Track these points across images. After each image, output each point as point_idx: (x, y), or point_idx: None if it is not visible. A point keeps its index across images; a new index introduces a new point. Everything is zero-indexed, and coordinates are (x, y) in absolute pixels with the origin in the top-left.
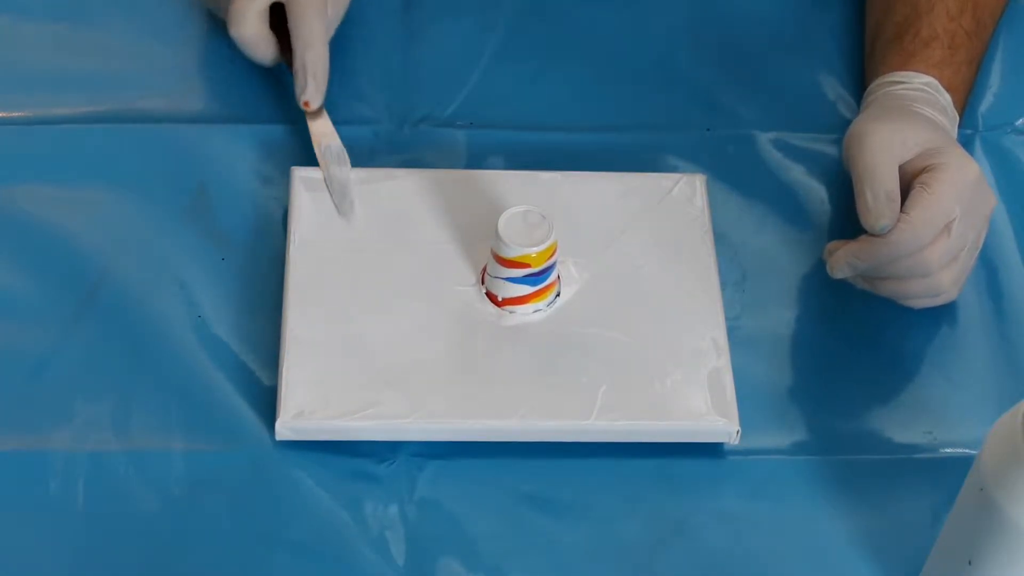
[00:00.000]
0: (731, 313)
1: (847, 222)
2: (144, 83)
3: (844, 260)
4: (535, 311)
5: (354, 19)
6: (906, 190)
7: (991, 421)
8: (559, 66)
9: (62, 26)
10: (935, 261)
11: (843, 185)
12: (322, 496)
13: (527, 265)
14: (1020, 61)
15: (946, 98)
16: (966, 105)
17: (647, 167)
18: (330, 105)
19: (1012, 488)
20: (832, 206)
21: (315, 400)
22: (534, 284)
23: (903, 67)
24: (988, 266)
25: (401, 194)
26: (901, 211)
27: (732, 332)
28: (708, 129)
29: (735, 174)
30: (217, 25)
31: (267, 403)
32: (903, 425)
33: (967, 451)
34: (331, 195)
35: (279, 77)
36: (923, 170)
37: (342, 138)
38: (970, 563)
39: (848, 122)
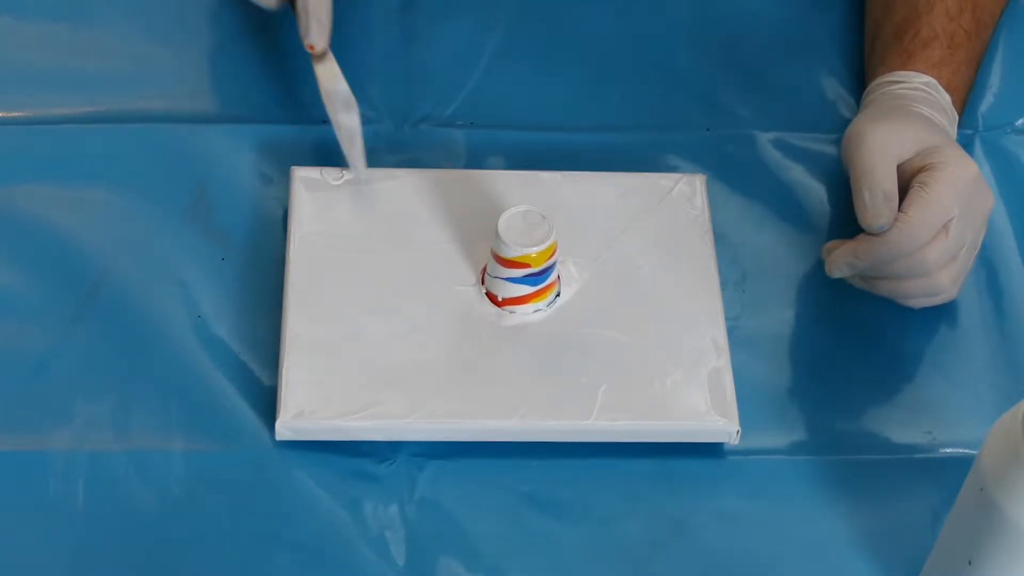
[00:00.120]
0: (731, 313)
1: (846, 222)
2: (144, 83)
3: (842, 260)
4: (535, 311)
5: (354, 19)
6: (904, 189)
7: (991, 421)
8: (559, 66)
9: (62, 26)
10: (933, 260)
11: (843, 185)
12: (322, 496)
13: (527, 265)
14: (1020, 61)
15: (945, 98)
16: (966, 105)
17: (647, 167)
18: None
19: (1012, 488)
20: (832, 206)
21: (315, 400)
22: (534, 284)
23: (903, 67)
24: (988, 266)
25: (401, 194)
26: (899, 210)
27: (732, 332)
28: (708, 129)
29: (735, 174)
30: (217, 25)
31: (267, 403)
32: (903, 425)
33: (967, 451)
34: (341, 145)
35: (279, 77)
36: (921, 169)
37: None
38: (970, 563)
39: (848, 122)
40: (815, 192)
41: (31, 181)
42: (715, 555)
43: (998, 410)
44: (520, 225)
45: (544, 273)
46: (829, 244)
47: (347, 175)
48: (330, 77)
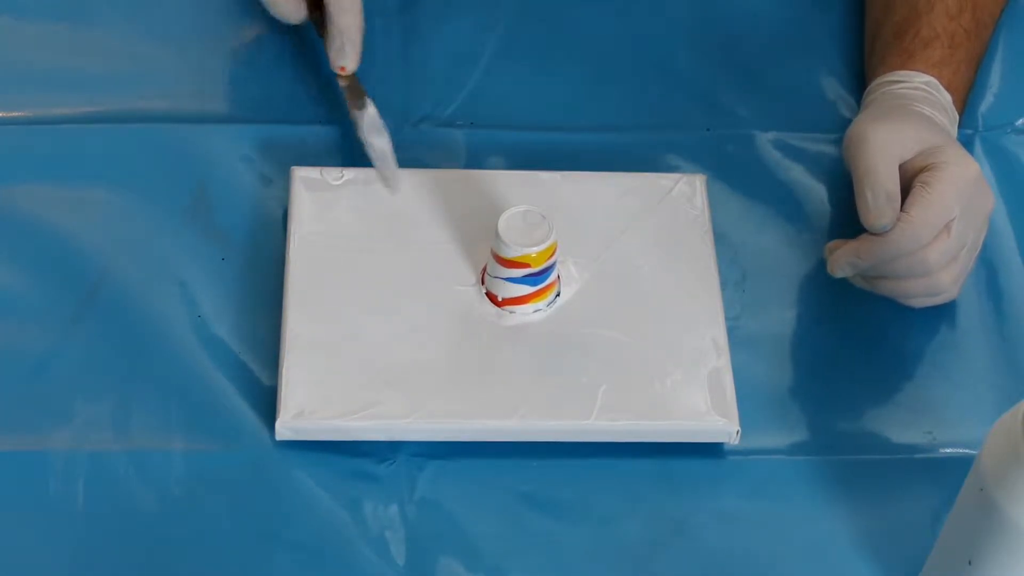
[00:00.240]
0: (731, 313)
1: (847, 222)
2: (144, 83)
3: (844, 259)
4: (535, 311)
5: None
6: (906, 189)
7: (991, 421)
8: (559, 66)
9: (62, 26)
10: (935, 260)
11: (843, 185)
12: (322, 496)
13: (527, 265)
14: (1020, 61)
15: (946, 97)
16: (966, 105)
17: (647, 167)
18: (331, 104)
19: (1012, 488)
20: (832, 206)
21: (315, 400)
22: (534, 284)
23: (903, 67)
24: (988, 266)
25: (401, 194)
26: (901, 210)
27: (732, 332)
28: (708, 129)
29: (735, 174)
30: (217, 25)
31: (267, 403)
32: (903, 425)
33: (967, 451)
34: (373, 163)
35: (279, 77)
36: (923, 169)
37: (343, 138)
38: (970, 563)
39: (848, 122)
40: (815, 192)
41: (31, 181)
42: (715, 555)
43: (998, 410)
44: (520, 225)
45: (544, 273)
46: (831, 244)
47: (347, 175)
48: (357, 100)
